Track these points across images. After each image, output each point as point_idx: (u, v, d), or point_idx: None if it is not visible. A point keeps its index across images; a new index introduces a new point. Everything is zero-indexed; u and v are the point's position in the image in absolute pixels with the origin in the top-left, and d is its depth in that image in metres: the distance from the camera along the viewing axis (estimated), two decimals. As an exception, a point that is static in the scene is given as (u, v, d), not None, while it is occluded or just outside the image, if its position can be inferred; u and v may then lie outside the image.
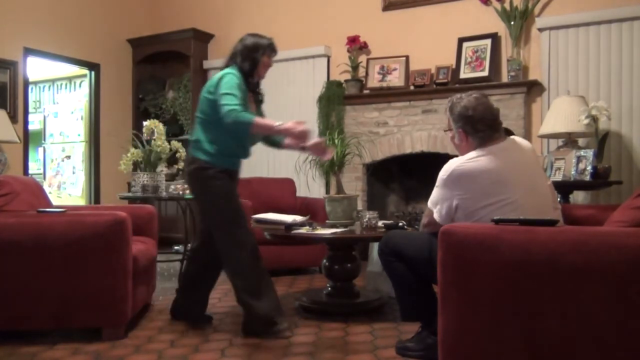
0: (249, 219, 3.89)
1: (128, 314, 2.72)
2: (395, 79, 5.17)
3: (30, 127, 5.78)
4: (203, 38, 6.21)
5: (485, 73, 4.75)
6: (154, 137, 3.84)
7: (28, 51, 5.39)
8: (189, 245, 3.97)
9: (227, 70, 2.83)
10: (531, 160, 2.29)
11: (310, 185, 4.81)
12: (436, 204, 2.28)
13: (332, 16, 5.56)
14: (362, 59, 5.37)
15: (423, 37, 5.14)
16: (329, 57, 5.55)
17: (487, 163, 2.16)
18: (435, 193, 2.29)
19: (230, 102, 2.66)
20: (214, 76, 2.85)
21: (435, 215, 2.28)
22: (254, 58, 2.86)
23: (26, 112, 5.44)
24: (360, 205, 4.91)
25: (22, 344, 2.61)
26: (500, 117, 2.35)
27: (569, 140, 4.13)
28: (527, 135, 4.60)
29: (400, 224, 3.21)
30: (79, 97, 6.67)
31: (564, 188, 3.99)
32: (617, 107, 4.28)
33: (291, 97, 5.69)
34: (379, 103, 5.20)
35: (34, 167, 6.69)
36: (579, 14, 4.44)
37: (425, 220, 2.40)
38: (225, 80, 2.74)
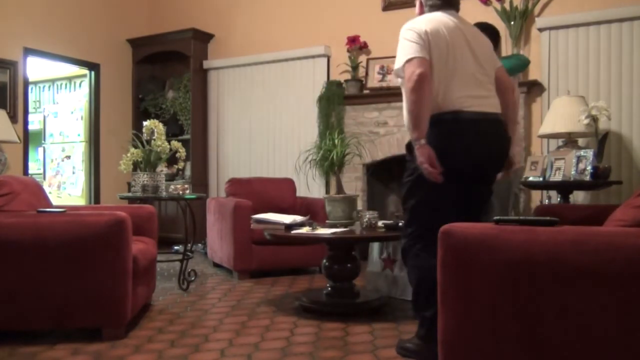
0: (250, 219, 3.90)
1: (128, 314, 2.72)
2: (395, 79, 5.18)
3: (30, 127, 5.79)
4: (203, 38, 6.21)
5: (485, 73, 4.75)
6: (154, 137, 3.83)
7: (28, 51, 5.39)
8: (189, 245, 3.96)
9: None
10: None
11: (310, 185, 4.82)
12: (409, 52, 2.32)
13: (332, 16, 5.56)
14: (362, 59, 5.37)
15: (423, 37, 5.14)
16: (329, 57, 5.55)
17: (440, 16, 2.52)
18: (403, 48, 2.35)
19: None
20: None
21: (413, 53, 2.31)
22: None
23: (26, 112, 5.45)
24: (360, 205, 4.91)
25: (22, 344, 2.60)
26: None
27: (569, 140, 4.12)
28: (527, 135, 4.61)
29: (400, 224, 3.21)
30: (79, 97, 6.67)
31: (564, 188, 3.99)
32: (617, 107, 4.28)
33: (291, 97, 5.70)
34: (379, 103, 5.20)
35: (34, 167, 6.69)
36: (579, 14, 4.44)
37: (415, 75, 2.25)
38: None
